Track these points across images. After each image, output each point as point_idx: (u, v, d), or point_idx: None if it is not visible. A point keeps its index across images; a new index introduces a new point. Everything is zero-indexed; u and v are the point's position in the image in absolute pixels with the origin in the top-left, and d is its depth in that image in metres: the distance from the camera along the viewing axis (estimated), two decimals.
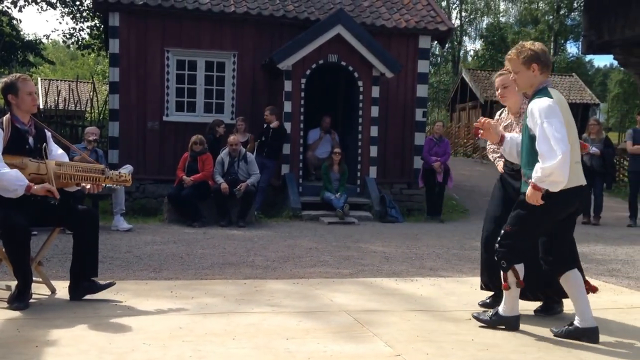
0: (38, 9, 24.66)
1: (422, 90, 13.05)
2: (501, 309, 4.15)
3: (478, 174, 18.56)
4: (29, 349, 3.45)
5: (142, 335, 3.77)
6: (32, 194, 4.27)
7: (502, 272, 4.02)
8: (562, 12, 47.16)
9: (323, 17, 12.04)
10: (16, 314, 4.15)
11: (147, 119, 11.91)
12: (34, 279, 4.49)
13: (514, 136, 4.20)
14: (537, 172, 3.72)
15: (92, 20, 23.72)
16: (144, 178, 11.71)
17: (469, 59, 54.57)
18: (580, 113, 26.62)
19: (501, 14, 52.88)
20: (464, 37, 52.90)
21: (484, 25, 51.95)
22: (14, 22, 23.00)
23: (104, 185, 4.73)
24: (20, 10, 23.36)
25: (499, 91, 4.40)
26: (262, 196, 10.83)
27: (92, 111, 18.18)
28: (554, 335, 4.00)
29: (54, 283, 4.82)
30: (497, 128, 4.21)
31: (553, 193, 3.76)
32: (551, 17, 47.76)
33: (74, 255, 4.60)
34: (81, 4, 23.85)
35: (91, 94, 18.63)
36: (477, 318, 4.25)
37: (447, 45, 29.09)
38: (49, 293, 4.73)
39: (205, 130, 10.75)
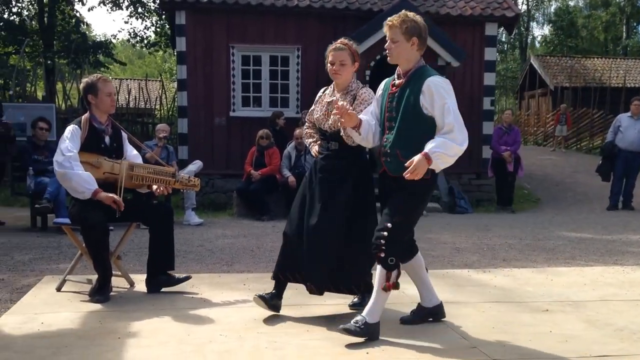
0: (107, 10, 25.49)
1: (489, 79, 12.78)
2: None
3: (550, 163, 18.04)
4: (111, 340, 3.57)
5: (219, 326, 3.85)
6: (98, 199, 4.39)
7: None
8: None
9: (386, 8, 11.92)
10: (98, 306, 4.31)
11: (215, 115, 12.12)
12: (113, 272, 4.64)
13: (368, 119, 3.80)
14: (441, 146, 3.49)
15: (160, 19, 24.34)
16: (213, 173, 11.93)
17: (537, 45, 53.00)
18: None
19: None
20: (532, 23, 51.38)
21: (552, 10, 50.29)
22: (82, 25, 23.84)
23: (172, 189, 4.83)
24: (78, 4, 24.10)
25: (335, 66, 4.01)
26: None
27: (161, 108, 18.68)
28: (346, 332, 3.56)
29: (131, 276, 4.97)
30: (354, 112, 3.75)
31: (432, 175, 3.62)
32: None
33: (150, 250, 4.73)
34: (146, 4, 24.52)
35: (160, 91, 19.12)
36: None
37: (514, 31, 28.36)
38: (128, 286, 4.88)
39: (267, 123, 10.85)
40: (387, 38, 3.69)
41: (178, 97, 12.70)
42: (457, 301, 4.52)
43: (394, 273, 3.61)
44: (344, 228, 3.94)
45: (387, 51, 3.72)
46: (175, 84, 15.05)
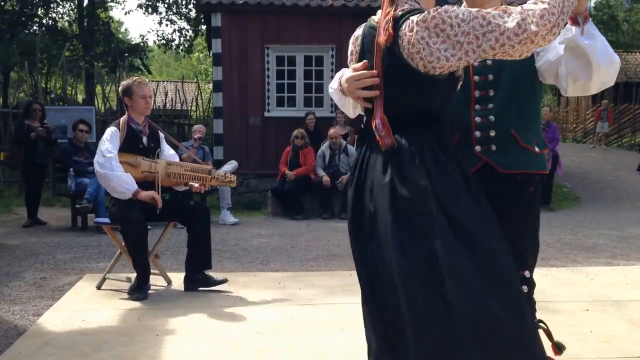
0: (143, 12, 25.96)
1: None
2: None
3: (589, 160, 17.69)
4: (150, 337, 3.63)
5: (255, 325, 3.88)
6: (138, 199, 4.49)
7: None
8: None
9: None
10: (136, 304, 4.38)
11: (249, 116, 12.20)
12: (151, 271, 4.72)
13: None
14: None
15: (189, 23, 24.73)
16: (248, 173, 12.01)
17: None
18: None
19: None
20: None
21: (592, 4, 49.29)
22: (114, 34, 24.44)
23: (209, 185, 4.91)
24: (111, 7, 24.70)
25: None
26: None
27: (197, 109, 18.87)
28: None
29: (169, 274, 5.04)
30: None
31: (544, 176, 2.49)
32: None
33: (188, 249, 4.80)
34: (180, 8, 24.92)
35: (195, 93, 19.33)
36: None
37: None
38: (166, 284, 4.95)
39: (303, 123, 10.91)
40: None
41: (213, 98, 12.81)
42: None
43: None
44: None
45: None
46: (211, 85, 15.21)
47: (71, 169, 8.08)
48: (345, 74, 2.24)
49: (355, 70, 2.16)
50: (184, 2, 24.93)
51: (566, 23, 2.05)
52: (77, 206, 7.88)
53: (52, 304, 4.37)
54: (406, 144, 2.03)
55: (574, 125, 26.07)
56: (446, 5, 2.00)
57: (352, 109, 2.38)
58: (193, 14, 23.99)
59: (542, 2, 1.94)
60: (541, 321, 2.50)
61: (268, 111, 12.23)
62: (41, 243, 7.00)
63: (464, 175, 2.07)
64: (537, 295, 4.62)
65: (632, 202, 12.00)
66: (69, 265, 5.80)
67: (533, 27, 1.89)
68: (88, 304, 4.36)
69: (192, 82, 28.63)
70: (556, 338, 3.57)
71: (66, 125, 10.35)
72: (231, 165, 9.60)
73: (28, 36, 19.27)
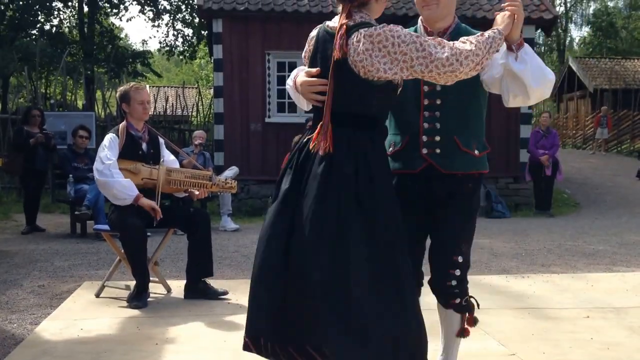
0: (145, 19, 26.03)
1: None
2: None
3: (589, 166, 17.71)
4: (149, 346, 3.61)
5: None
6: (139, 205, 4.48)
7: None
8: None
9: None
10: (135, 312, 4.36)
11: (250, 121, 12.21)
12: (150, 278, 4.70)
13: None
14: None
15: (195, 30, 24.75)
16: (248, 179, 12.01)
17: (575, 46, 52.07)
18: None
19: None
20: (570, 25, 50.51)
21: (591, 11, 49.39)
22: (116, 39, 24.46)
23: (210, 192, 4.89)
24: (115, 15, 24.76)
25: None
26: None
27: (198, 115, 18.88)
28: None
29: (168, 282, 5.02)
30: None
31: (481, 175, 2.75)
32: None
33: (189, 256, 4.78)
34: (184, 14, 24.95)
35: (196, 98, 19.34)
36: None
37: (552, 33, 27.84)
38: (165, 292, 4.93)
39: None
40: None
41: (214, 103, 12.83)
42: (494, 307, 4.45)
43: (468, 313, 2.86)
44: None
45: (424, 5, 2.64)
46: (212, 91, 15.23)
47: (70, 175, 8.07)
48: (299, 75, 2.62)
49: (309, 75, 2.53)
50: (188, 9, 24.98)
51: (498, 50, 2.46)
52: (76, 213, 7.87)
53: (50, 312, 4.35)
54: (344, 142, 2.42)
55: (574, 132, 26.11)
56: (392, 25, 2.35)
57: (305, 104, 2.75)
58: (196, 20, 24.01)
59: (471, 43, 2.35)
60: (472, 297, 2.86)
61: (269, 117, 12.24)
62: (39, 250, 6.99)
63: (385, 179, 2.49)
64: (537, 301, 4.64)
65: (632, 208, 12.00)
66: (67, 272, 5.79)
67: (457, 65, 2.31)
68: (86, 312, 4.34)
69: (192, 88, 28.66)
70: (557, 345, 3.58)
71: (66, 131, 10.36)
72: (232, 171, 9.60)
73: (27, 42, 19.29)
